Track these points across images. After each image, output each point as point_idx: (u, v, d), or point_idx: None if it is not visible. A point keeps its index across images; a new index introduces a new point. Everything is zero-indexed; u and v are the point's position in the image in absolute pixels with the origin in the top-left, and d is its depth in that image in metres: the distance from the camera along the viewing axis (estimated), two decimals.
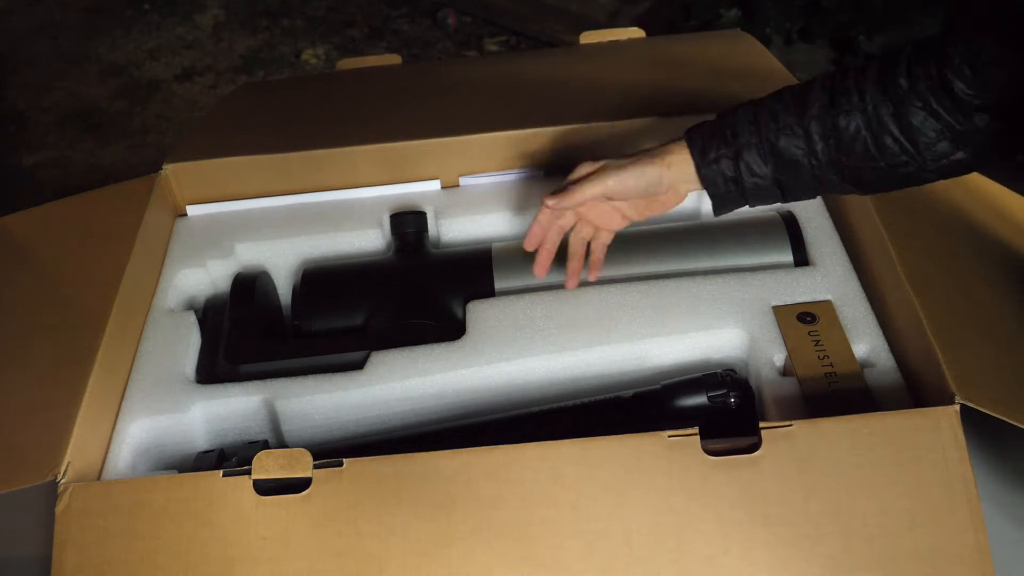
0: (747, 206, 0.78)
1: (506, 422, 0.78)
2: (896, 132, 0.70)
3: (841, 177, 0.73)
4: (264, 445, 0.78)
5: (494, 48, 2.48)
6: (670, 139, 0.78)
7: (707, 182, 0.76)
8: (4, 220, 1.00)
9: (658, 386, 0.78)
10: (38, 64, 2.61)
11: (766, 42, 1.18)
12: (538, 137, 0.99)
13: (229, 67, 2.52)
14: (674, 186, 0.78)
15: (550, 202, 0.79)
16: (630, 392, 0.78)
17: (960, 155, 0.70)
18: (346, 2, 2.71)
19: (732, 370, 0.81)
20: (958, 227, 0.90)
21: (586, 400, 0.79)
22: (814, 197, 0.78)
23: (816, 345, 0.78)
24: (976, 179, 0.97)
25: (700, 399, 0.76)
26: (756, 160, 0.74)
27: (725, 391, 0.76)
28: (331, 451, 0.75)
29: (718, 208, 0.78)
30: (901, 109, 0.69)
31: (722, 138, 0.75)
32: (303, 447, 0.74)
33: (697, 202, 0.98)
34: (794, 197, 0.76)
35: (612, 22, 2.40)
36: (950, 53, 0.67)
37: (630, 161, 0.77)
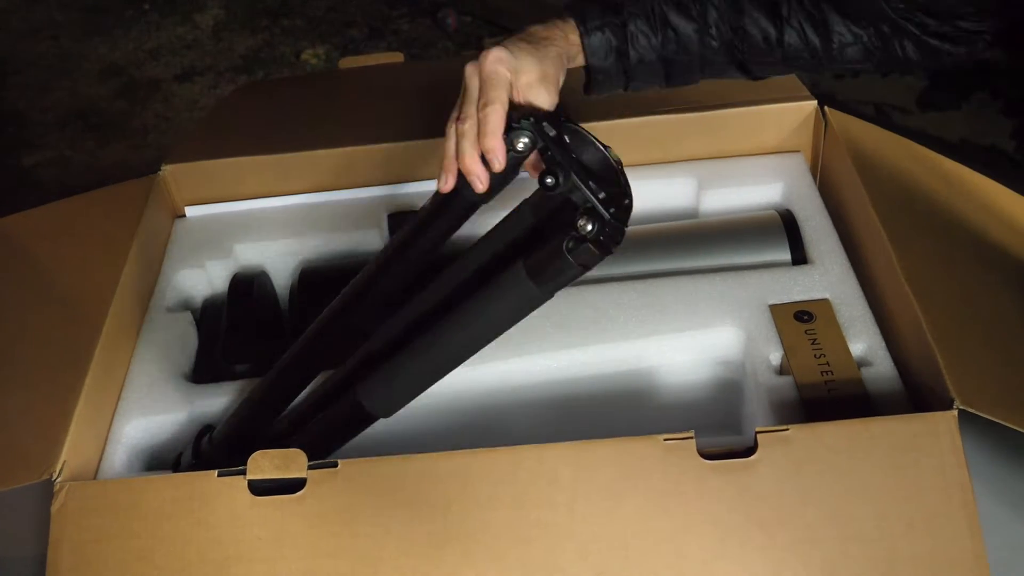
0: (624, 88, 0.73)
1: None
2: (809, 33, 0.68)
3: (730, 61, 0.71)
4: (205, 430, 0.78)
5: None
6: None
7: (589, 52, 0.71)
8: (4, 220, 1.01)
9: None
10: (38, 64, 2.61)
11: None
12: None
13: (229, 67, 2.52)
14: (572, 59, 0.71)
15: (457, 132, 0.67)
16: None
17: (868, 65, 0.69)
18: (346, 2, 2.70)
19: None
20: (959, 229, 0.90)
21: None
22: (696, 83, 0.73)
23: (813, 344, 0.78)
24: (977, 181, 0.97)
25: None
26: (645, 30, 0.70)
27: (587, 243, 0.62)
28: None
29: (596, 86, 0.73)
30: (821, 14, 0.67)
31: (607, 4, 0.71)
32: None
33: (694, 200, 0.98)
34: (677, 81, 0.72)
35: None
36: None
37: (526, 50, 0.68)
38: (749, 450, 0.66)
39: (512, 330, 0.83)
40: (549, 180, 0.61)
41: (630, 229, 0.94)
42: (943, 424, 0.66)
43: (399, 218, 0.96)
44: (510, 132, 0.65)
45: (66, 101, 2.47)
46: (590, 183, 0.62)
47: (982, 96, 1.98)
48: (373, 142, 1.00)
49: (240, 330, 0.89)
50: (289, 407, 0.76)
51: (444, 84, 1.19)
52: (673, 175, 0.99)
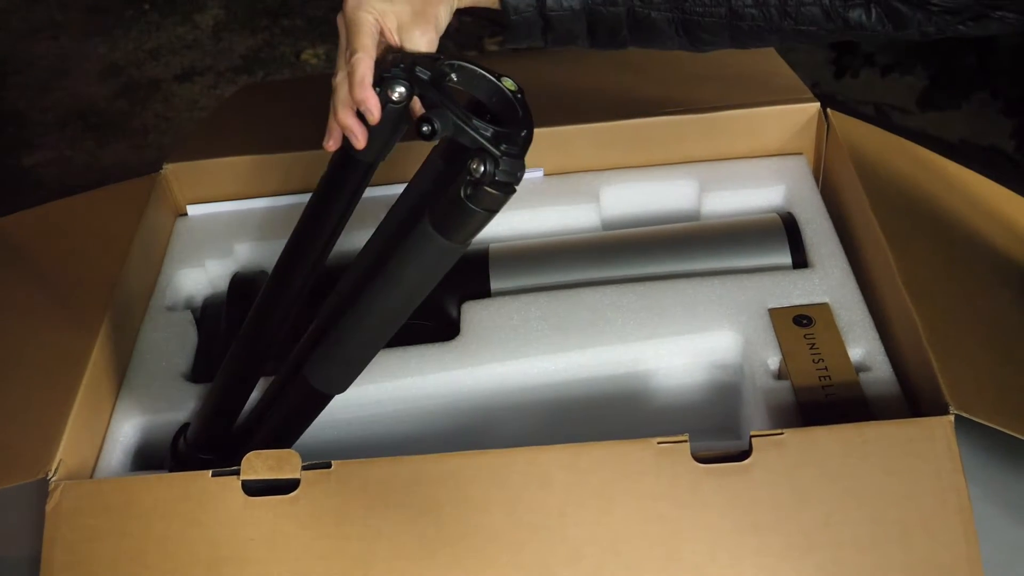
0: (544, 42, 0.66)
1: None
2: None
3: (670, 22, 0.63)
4: (183, 428, 0.78)
5: (494, 48, 2.48)
6: None
7: None
8: (4, 220, 1.01)
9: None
10: (38, 64, 2.61)
11: None
12: (539, 137, 0.98)
13: (229, 67, 2.52)
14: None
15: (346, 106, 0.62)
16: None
17: (826, 31, 0.62)
18: None
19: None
20: (959, 232, 0.89)
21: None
22: (623, 47, 0.65)
23: (811, 348, 0.78)
24: (978, 183, 0.96)
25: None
26: None
27: (484, 185, 0.58)
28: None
29: (510, 37, 0.66)
30: None
31: None
32: (296, 446, 0.74)
33: (695, 202, 0.98)
34: (601, 42, 0.65)
35: None
36: None
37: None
38: (744, 454, 0.66)
39: (511, 332, 0.83)
40: (425, 128, 0.57)
41: (631, 230, 0.95)
42: (939, 429, 0.66)
43: None
44: (381, 83, 0.60)
45: (66, 101, 2.47)
46: (474, 121, 0.57)
47: (982, 96, 1.98)
48: None
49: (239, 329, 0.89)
50: (247, 404, 0.76)
51: None
52: (674, 177, 0.98)
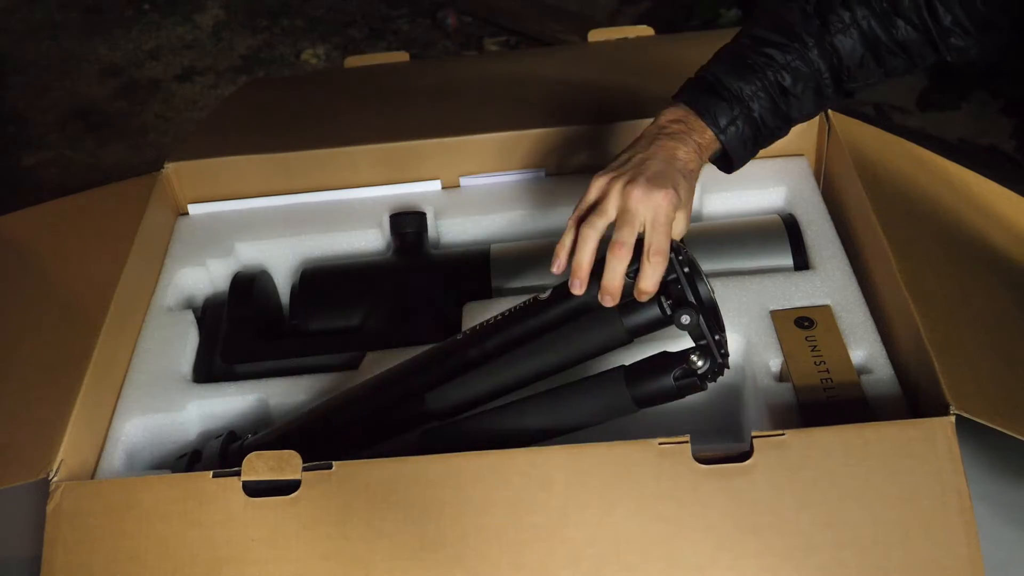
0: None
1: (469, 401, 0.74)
2: (891, 44, 0.71)
3: (836, 90, 0.73)
4: (231, 436, 0.77)
5: (494, 48, 2.48)
6: (665, 118, 0.72)
7: (728, 147, 0.72)
8: (4, 220, 1.01)
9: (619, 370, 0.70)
10: (38, 64, 2.61)
11: None
12: (540, 137, 0.99)
13: (229, 67, 2.52)
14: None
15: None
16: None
17: (946, 58, 0.72)
18: (346, 2, 2.71)
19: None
20: (960, 233, 0.89)
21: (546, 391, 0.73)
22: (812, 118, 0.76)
23: (813, 351, 0.78)
24: (979, 183, 0.96)
25: (667, 382, 0.67)
26: (768, 106, 0.72)
27: (695, 378, 0.67)
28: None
29: (732, 167, 0.75)
30: (890, 21, 0.70)
31: (727, 98, 0.72)
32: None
33: (697, 203, 0.98)
34: (797, 122, 0.75)
35: (612, 22, 2.40)
36: None
37: (685, 187, 0.69)
38: (745, 455, 0.66)
39: None
40: (685, 319, 0.65)
41: None
42: (939, 430, 0.66)
43: (401, 218, 0.96)
44: (666, 291, 0.67)
45: (66, 101, 2.47)
46: (707, 321, 0.66)
47: (982, 96, 1.98)
48: (376, 141, 1.00)
49: (241, 330, 0.89)
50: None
51: (448, 84, 1.19)
52: None
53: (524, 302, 0.73)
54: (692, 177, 0.71)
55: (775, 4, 0.74)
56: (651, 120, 0.98)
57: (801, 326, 0.80)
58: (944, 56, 0.72)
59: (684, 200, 0.69)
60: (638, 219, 0.67)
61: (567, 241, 0.69)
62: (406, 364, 0.75)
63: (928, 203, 0.90)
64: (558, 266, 0.69)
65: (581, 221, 0.68)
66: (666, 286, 0.67)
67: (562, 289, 0.70)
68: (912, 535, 0.63)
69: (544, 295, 0.72)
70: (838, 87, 0.73)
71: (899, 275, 0.76)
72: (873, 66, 0.72)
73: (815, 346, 0.78)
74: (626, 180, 0.68)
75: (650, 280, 0.66)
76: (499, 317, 0.73)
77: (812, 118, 0.75)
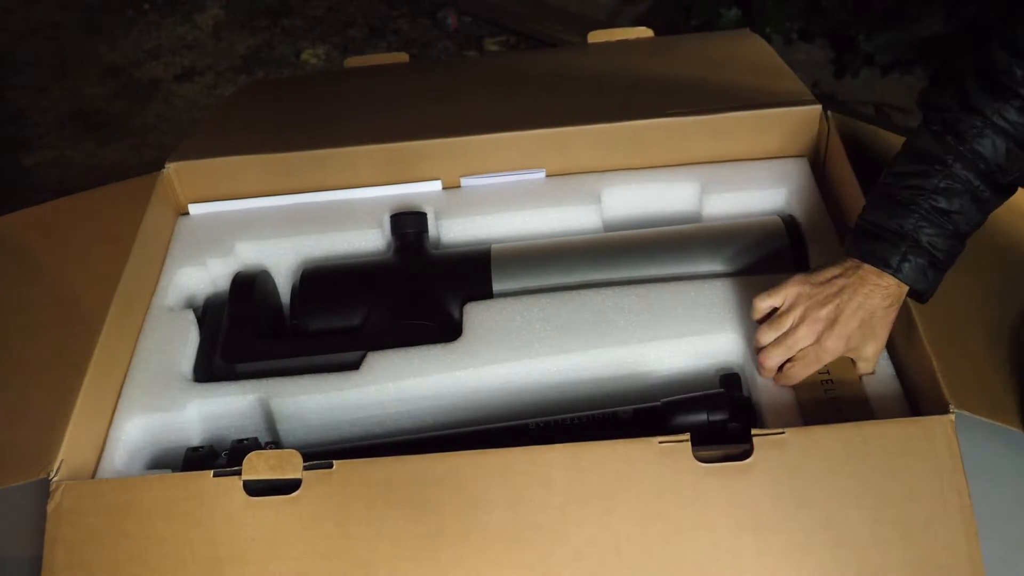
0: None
1: (500, 433, 0.78)
2: None
3: (995, 191, 0.73)
4: (255, 443, 0.77)
5: (494, 48, 2.48)
6: (841, 268, 0.74)
7: (912, 283, 0.72)
8: (4, 220, 1.01)
9: (658, 403, 0.76)
10: (38, 64, 2.61)
11: (766, 41, 1.18)
12: (541, 138, 0.99)
13: (229, 67, 2.52)
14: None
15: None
16: (630, 409, 0.77)
17: None
18: (346, 2, 2.70)
19: (735, 374, 0.80)
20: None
21: (584, 415, 0.78)
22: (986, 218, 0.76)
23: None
24: None
25: (700, 417, 0.74)
26: (936, 232, 0.72)
27: (727, 416, 0.73)
28: (324, 453, 0.75)
29: (923, 298, 0.75)
30: (1018, 104, 0.70)
31: (890, 239, 0.73)
32: (298, 446, 0.74)
33: (697, 204, 0.98)
34: (969, 235, 0.75)
35: (612, 22, 2.39)
36: None
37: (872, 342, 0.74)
38: (744, 453, 0.66)
39: (513, 334, 0.83)
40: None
41: (632, 232, 0.95)
42: (939, 428, 0.66)
43: (402, 218, 0.96)
44: None
45: (66, 101, 2.47)
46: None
47: None
48: (376, 141, 1.00)
49: (241, 329, 0.89)
50: None
51: (449, 84, 1.19)
52: (676, 178, 0.98)
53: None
54: (887, 324, 0.74)
55: (908, 138, 0.76)
56: (654, 120, 0.98)
57: None
58: None
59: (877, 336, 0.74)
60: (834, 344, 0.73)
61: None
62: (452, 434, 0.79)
63: None
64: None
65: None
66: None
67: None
68: (911, 533, 0.63)
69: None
70: (995, 188, 0.73)
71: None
72: (1017, 152, 0.71)
73: None
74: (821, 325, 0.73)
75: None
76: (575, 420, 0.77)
77: (982, 224, 0.75)
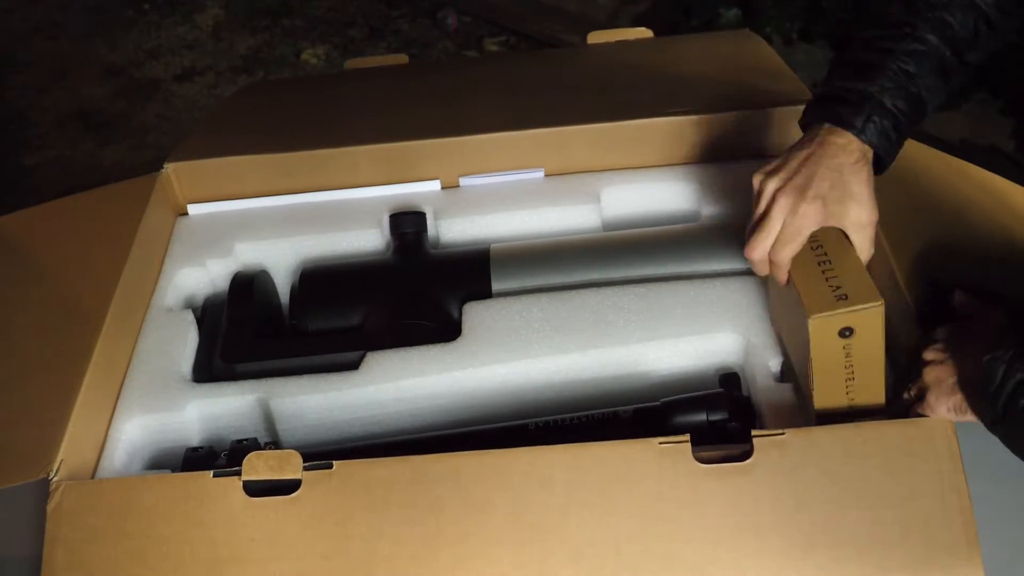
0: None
1: (499, 433, 0.78)
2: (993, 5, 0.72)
3: (961, 65, 0.74)
4: (255, 443, 0.77)
5: (494, 48, 2.48)
6: (801, 141, 0.74)
7: (874, 143, 0.72)
8: (4, 220, 1.01)
9: (658, 403, 0.76)
10: (38, 64, 2.61)
11: (766, 41, 1.18)
12: (540, 137, 0.99)
13: (229, 67, 2.52)
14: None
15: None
16: (629, 409, 0.77)
17: None
18: (346, 2, 2.71)
19: (734, 374, 0.80)
20: (962, 230, 0.89)
21: (583, 415, 0.78)
22: (947, 98, 0.77)
23: (847, 358, 0.71)
24: (983, 177, 0.96)
25: (700, 417, 0.74)
26: (902, 95, 0.72)
27: (727, 416, 0.73)
28: (325, 453, 0.75)
29: (883, 163, 0.75)
30: None
31: (856, 101, 0.72)
32: (297, 446, 0.74)
33: (696, 204, 0.98)
34: (930, 105, 0.75)
35: (612, 22, 2.40)
36: None
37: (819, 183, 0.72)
38: (744, 454, 0.66)
39: (512, 333, 0.83)
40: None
41: (631, 231, 0.95)
42: (939, 429, 0.66)
43: (401, 218, 0.96)
44: None
45: (66, 101, 2.47)
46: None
47: (982, 96, 1.98)
48: (375, 141, 1.00)
49: (240, 329, 0.89)
50: None
51: (448, 85, 1.19)
52: (675, 178, 0.98)
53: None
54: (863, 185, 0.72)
55: (877, 10, 0.78)
56: (653, 120, 0.98)
57: (843, 336, 0.70)
58: None
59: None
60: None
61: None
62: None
63: (928, 197, 0.90)
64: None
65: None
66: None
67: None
68: (911, 534, 0.63)
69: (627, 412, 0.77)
70: (961, 61, 0.73)
71: (898, 274, 0.76)
72: (986, 31, 0.73)
73: (848, 354, 0.71)
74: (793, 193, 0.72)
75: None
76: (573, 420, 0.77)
77: (942, 100, 0.75)
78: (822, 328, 0.68)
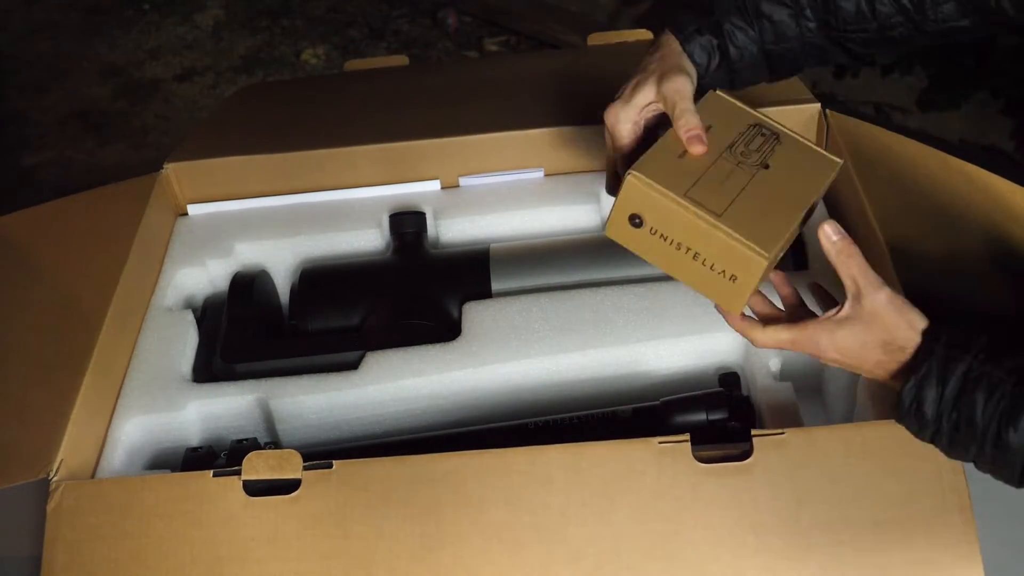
0: (730, 86, 0.75)
1: (499, 432, 0.78)
2: None
3: (831, 41, 0.72)
4: (254, 443, 0.77)
5: (494, 48, 2.48)
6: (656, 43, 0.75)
7: (693, 53, 0.72)
8: (4, 220, 1.01)
9: (657, 402, 0.76)
10: (38, 64, 2.61)
11: None
12: (539, 137, 0.99)
13: (229, 67, 2.52)
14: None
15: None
16: (628, 408, 0.77)
17: (964, 22, 0.69)
18: (346, 2, 2.71)
19: (734, 374, 0.80)
20: (961, 229, 0.89)
21: (583, 414, 0.78)
22: (800, 71, 0.76)
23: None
24: (982, 177, 0.96)
25: (699, 417, 0.74)
26: (740, 25, 0.72)
27: (726, 415, 0.73)
28: (325, 453, 0.75)
29: (704, 89, 0.74)
30: None
31: (697, 9, 0.73)
32: (297, 446, 0.74)
33: None
34: (782, 72, 0.75)
35: (612, 23, 2.40)
36: None
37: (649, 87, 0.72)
38: (744, 453, 0.66)
39: (512, 333, 0.83)
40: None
41: None
42: None
43: (401, 218, 0.96)
44: None
45: (66, 101, 2.47)
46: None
47: (982, 96, 1.98)
48: (375, 141, 1.00)
49: (240, 329, 0.89)
50: None
51: (448, 85, 1.19)
52: None
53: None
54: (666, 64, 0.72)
55: None
56: None
57: None
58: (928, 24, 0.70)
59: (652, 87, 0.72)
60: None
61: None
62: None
63: (928, 198, 0.90)
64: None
65: None
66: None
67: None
68: (912, 534, 0.63)
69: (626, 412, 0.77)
70: (823, 25, 0.72)
71: (896, 274, 0.76)
72: (868, 13, 0.70)
73: None
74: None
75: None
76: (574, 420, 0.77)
77: (795, 65, 0.73)
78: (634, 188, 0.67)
